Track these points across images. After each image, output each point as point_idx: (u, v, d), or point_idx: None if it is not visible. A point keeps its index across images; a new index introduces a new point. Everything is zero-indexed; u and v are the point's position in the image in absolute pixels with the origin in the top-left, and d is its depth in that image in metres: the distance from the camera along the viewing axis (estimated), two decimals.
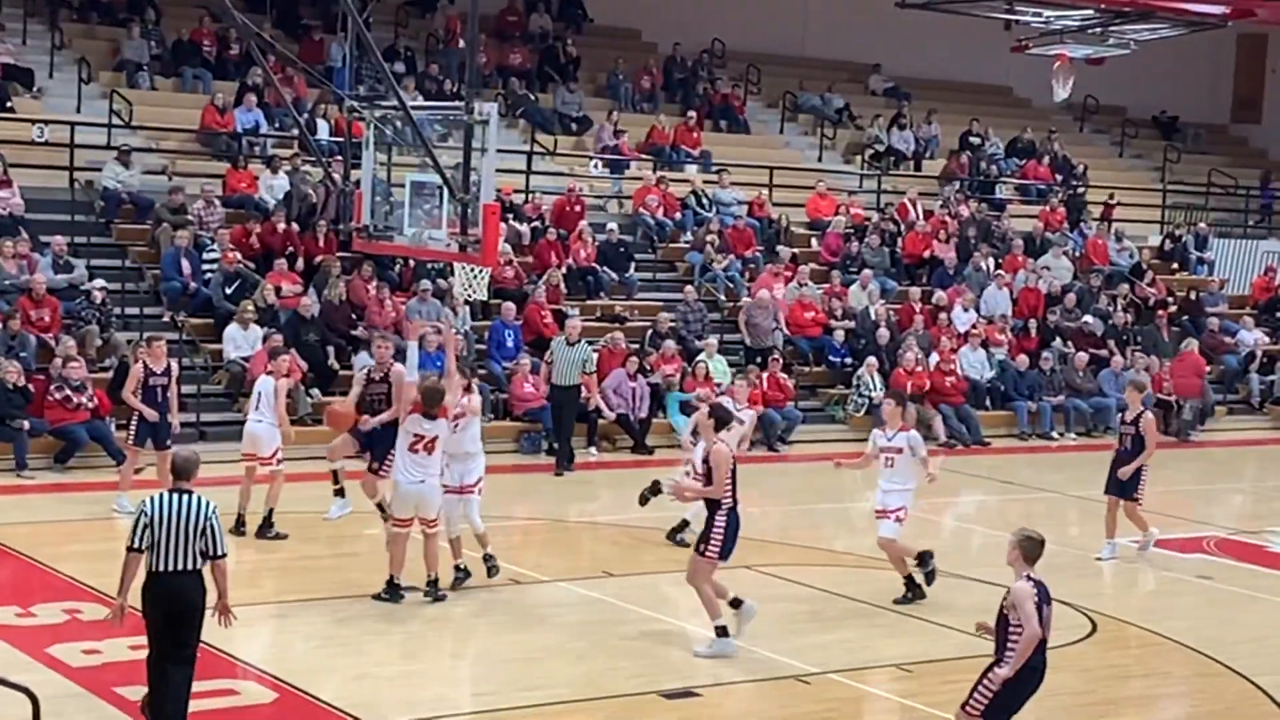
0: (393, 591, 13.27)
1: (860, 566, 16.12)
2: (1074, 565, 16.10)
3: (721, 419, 12.64)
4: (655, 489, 16.39)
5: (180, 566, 9.52)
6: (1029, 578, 9.29)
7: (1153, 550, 16.81)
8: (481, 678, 11.71)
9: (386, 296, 22.49)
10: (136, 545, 9.59)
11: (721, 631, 12.38)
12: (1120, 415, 16.79)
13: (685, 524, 16.09)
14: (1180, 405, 26.68)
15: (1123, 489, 16.27)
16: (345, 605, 13.25)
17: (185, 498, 9.60)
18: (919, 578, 14.27)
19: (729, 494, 12.30)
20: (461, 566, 13.81)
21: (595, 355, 22.43)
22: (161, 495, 9.65)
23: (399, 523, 13.28)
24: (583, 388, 21.27)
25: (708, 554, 12.33)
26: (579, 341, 21.07)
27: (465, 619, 12.95)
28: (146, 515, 9.57)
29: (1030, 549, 9.43)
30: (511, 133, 27.38)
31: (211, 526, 9.58)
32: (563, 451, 20.64)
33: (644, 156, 28.84)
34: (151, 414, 16.57)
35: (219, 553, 9.62)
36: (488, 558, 13.99)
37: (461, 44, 28.92)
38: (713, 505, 12.33)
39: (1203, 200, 34.54)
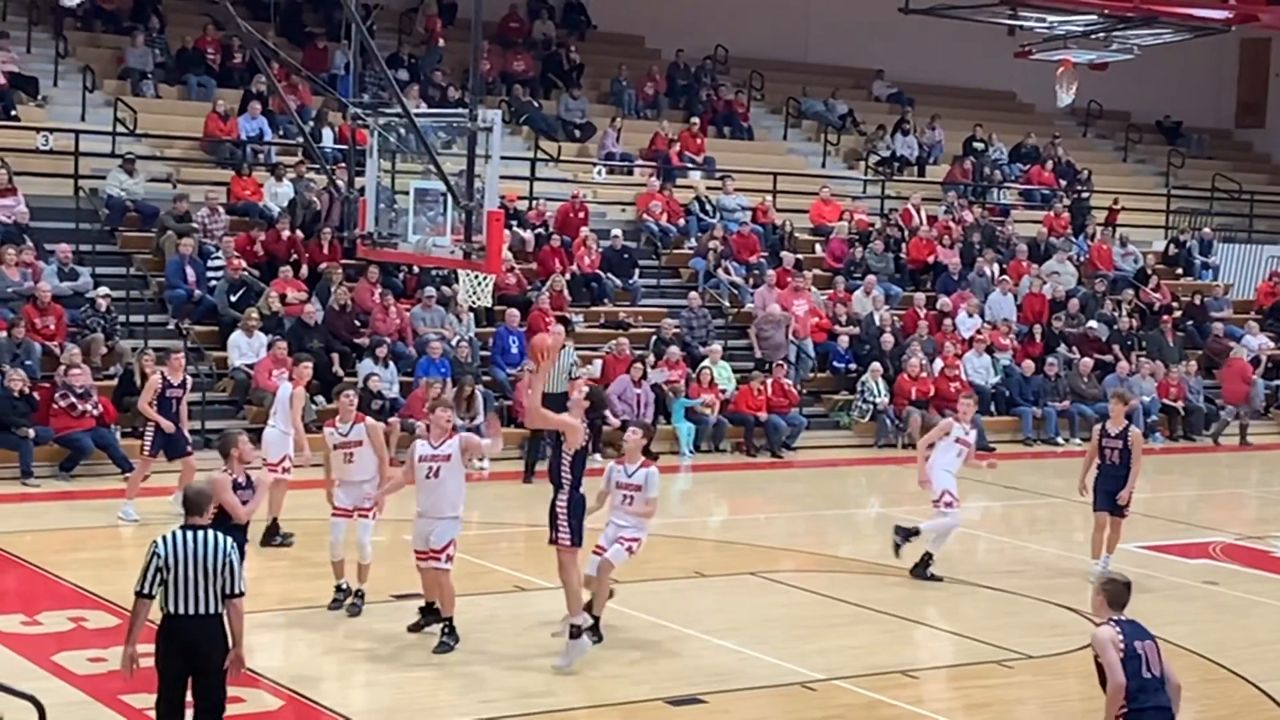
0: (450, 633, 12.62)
1: (866, 572, 16.12)
2: (1078, 571, 16.07)
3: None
4: (908, 535, 15.89)
5: (200, 609, 8.82)
6: (1113, 621, 8.68)
7: (1155, 556, 16.77)
8: (486, 685, 11.69)
9: (391, 303, 22.51)
10: (146, 590, 8.86)
11: (576, 631, 12.00)
12: (1102, 427, 15.95)
13: (916, 532, 15.85)
14: (1185, 410, 26.76)
15: (1114, 505, 15.85)
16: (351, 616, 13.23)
17: (200, 534, 8.92)
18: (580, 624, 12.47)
19: (568, 478, 12.15)
20: (343, 586, 13.42)
21: (596, 363, 22.42)
22: (175, 534, 8.94)
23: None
24: (575, 396, 20.94)
25: (559, 541, 12.08)
26: (564, 347, 20.97)
27: (470, 626, 12.92)
28: (160, 557, 8.84)
29: (1115, 593, 8.79)
30: (515, 139, 27.40)
31: (231, 563, 8.90)
32: (555, 458, 20.44)
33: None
34: (169, 425, 16.62)
35: (236, 590, 8.92)
36: (359, 593, 13.32)
37: (442, 43, 28.99)
38: (555, 490, 12.17)
39: (1207, 205, 34.51)
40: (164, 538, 8.94)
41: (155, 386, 16.78)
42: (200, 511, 9.07)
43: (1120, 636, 8.54)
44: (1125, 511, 15.82)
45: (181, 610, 8.82)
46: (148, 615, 8.97)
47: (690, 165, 29.29)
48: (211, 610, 8.86)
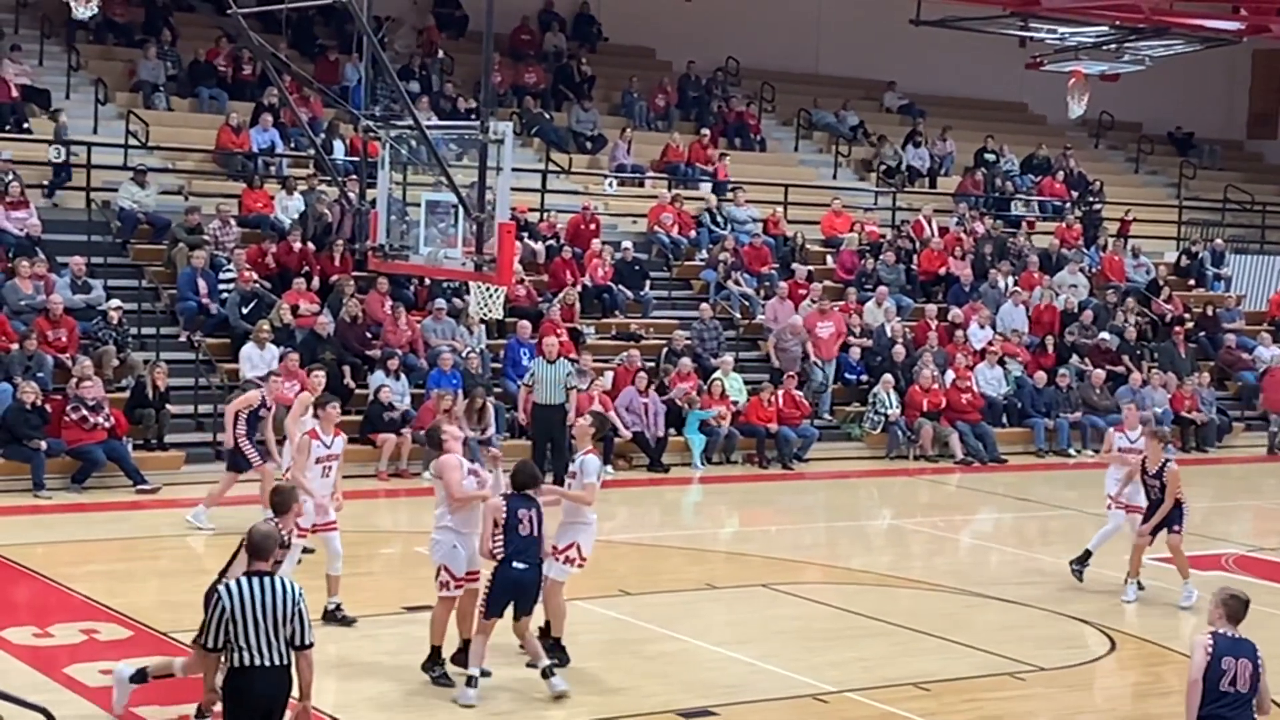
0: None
1: (877, 585, 16.10)
2: (1092, 583, 16.04)
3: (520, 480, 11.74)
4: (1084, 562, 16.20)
5: (270, 662, 8.36)
6: (1214, 633, 9.18)
7: (1167, 568, 16.67)
8: (498, 696, 11.66)
9: (402, 315, 22.51)
10: (214, 644, 8.40)
11: (471, 680, 11.50)
12: (1142, 464, 15.52)
13: (1088, 554, 16.13)
14: (1199, 423, 26.73)
15: (1166, 523, 15.47)
16: (359, 625, 13.22)
17: (267, 582, 8.46)
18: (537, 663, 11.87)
19: (498, 548, 11.44)
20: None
21: (607, 374, 22.41)
22: (240, 583, 8.44)
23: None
24: (571, 405, 20.94)
25: (479, 608, 11.62)
26: (558, 359, 20.94)
27: None
28: (226, 609, 8.34)
29: (1232, 609, 9.31)
30: (526, 151, 27.40)
31: (300, 612, 8.45)
32: (559, 471, 20.46)
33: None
34: (230, 439, 16.73)
35: (306, 641, 8.47)
36: (339, 605, 13.16)
37: (441, 54, 29.03)
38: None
39: (1219, 216, 34.48)
40: (228, 587, 8.46)
41: (252, 401, 16.72)
42: (266, 556, 8.64)
43: (1210, 647, 9.01)
44: (1178, 529, 15.41)
45: (251, 663, 8.35)
46: (218, 667, 8.54)
47: (703, 178, 29.35)
48: (282, 661, 8.42)
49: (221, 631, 8.37)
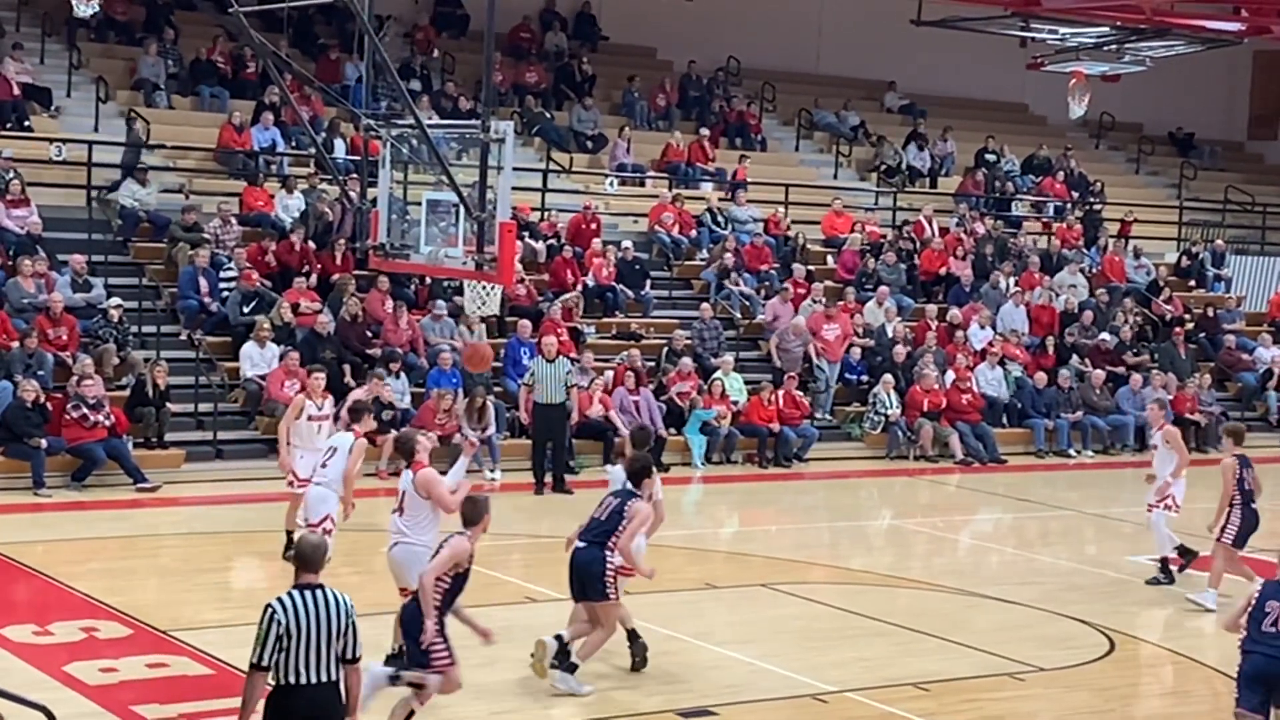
0: None
1: (878, 585, 16.10)
2: (1092, 584, 16.03)
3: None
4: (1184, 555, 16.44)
5: (320, 678, 8.05)
6: (1266, 580, 10.36)
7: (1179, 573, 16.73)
8: (498, 695, 11.68)
9: (403, 314, 22.51)
10: (266, 661, 7.99)
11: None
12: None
13: (1177, 556, 16.43)
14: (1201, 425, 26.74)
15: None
16: (362, 623, 13.19)
17: (319, 594, 8.12)
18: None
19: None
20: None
21: (608, 374, 22.40)
22: (292, 596, 8.08)
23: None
24: (572, 404, 20.90)
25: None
26: (557, 358, 20.92)
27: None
28: (280, 623, 7.98)
29: None
30: (527, 150, 27.41)
31: (354, 624, 8.19)
32: (559, 470, 20.48)
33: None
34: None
35: (357, 654, 8.23)
36: None
37: (440, 53, 29.04)
38: None
39: (1219, 217, 34.48)
40: (281, 602, 8.08)
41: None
42: (316, 568, 8.25)
43: (1257, 593, 10.17)
44: (1218, 536, 15.63)
45: (300, 680, 8.05)
46: (263, 689, 8.16)
47: (704, 178, 29.37)
48: (331, 677, 8.11)
49: (276, 647, 8.01)
